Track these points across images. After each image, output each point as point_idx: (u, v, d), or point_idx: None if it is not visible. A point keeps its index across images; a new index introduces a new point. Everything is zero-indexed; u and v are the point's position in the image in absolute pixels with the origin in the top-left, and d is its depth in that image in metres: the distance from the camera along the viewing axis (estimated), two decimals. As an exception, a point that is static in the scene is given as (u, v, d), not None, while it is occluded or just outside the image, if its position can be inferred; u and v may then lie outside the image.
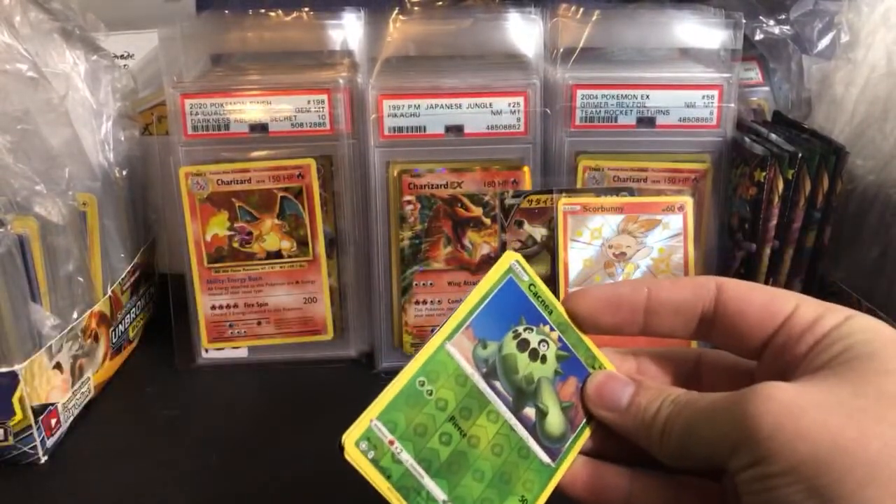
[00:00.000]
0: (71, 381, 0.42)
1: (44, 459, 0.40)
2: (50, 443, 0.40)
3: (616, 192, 0.45)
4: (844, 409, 0.23)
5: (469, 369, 0.27)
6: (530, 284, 0.29)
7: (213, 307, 0.48)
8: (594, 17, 0.47)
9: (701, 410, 0.25)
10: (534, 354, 0.28)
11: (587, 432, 0.28)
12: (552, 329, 0.29)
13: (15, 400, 0.37)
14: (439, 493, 0.25)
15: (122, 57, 0.55)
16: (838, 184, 0.44)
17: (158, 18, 0.48)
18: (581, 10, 0.48)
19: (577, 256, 0.44)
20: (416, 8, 0.51)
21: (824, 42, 0.56)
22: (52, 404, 0.40)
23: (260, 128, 0.46)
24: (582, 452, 0.28)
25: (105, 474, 0.39)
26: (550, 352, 0.28)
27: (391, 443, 0.25)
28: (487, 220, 0.46)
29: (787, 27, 0.57)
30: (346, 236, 0.48)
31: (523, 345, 0.28)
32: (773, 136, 0.46)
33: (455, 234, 0.47)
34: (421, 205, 0.47)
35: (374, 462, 0.24)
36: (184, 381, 0.47)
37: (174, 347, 0.48)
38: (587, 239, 0.44)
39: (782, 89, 0.58)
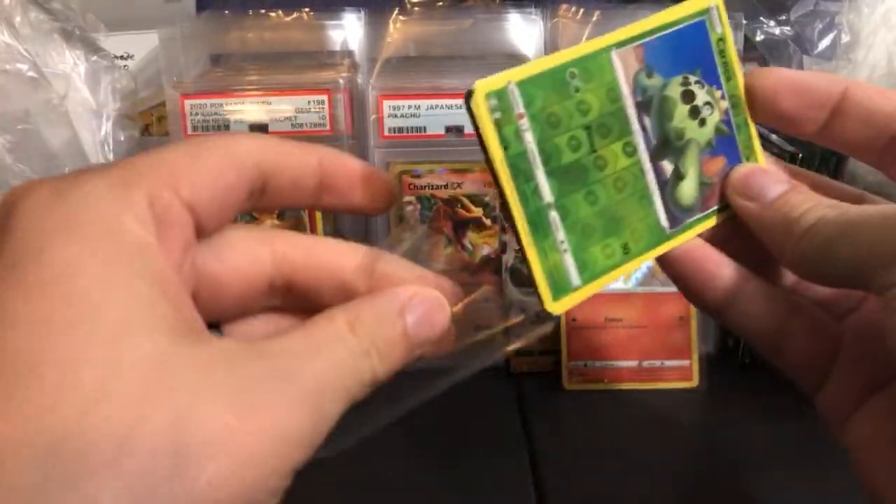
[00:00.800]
0: (70, 381, 0.41)
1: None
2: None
3: None
4: None
5: (625, 89, 0.24)
6: (719, 39, 0.26)
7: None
8: (594, 18, 0.47)
9: (858, 217, 0.22)
10: (694, 112, 0.25)
11: (714, 219, 0.26)
12: (723, 97, 0.26)
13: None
14: (547, 192, 0.23)
15: (122, 57, 0.55)
16: (839, 184, 0.44)
17: (158, 19, 0.48)
18: (581, 10, 0.48)
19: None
20: (416, 8, 0.51)
21: (825, 43, 0.56)
22: (52, 405, 0.40)
23: (260, 128, 0.46)
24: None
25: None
26: (712, 119, 0.26)
27: (520, 116, 0.22)
28: (488, 221, 0.46)
29: (788, 28, 0.57)
30: (345, 237, 0.48)
31: (688, 96, 0.25)
32: (774, 137, 0.46)
33: (455, 235, 0.47)
34: (421, 205, 0.46)
35: (497, 124, 0.22)
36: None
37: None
38: None
39: (783, 90, 0.58)
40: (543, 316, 0.25)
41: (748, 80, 0.26)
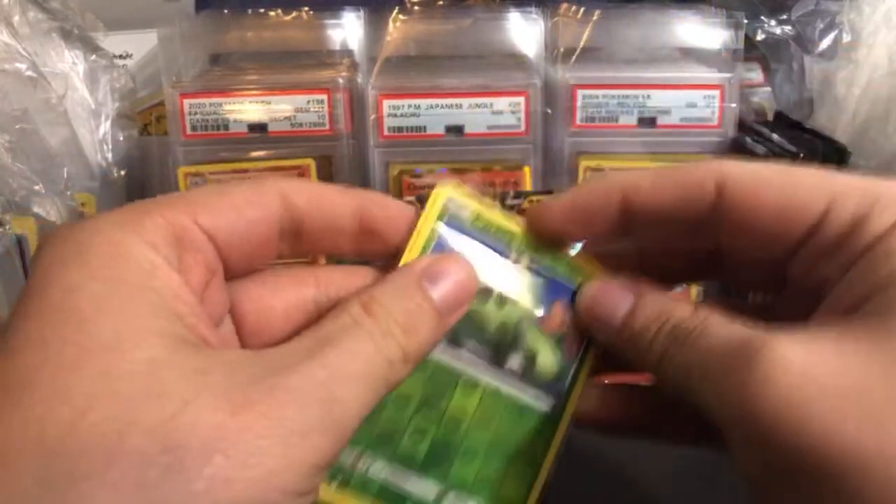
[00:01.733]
0: (69, 382, 0.41)
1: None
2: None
3: None
4: (872, 395, 0.16)
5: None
6: (474, 219, 0.24)
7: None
8: (595, 17, 0.47)
9: (699, 356, 0.20)
10: (500, 299, 0.24)
11: (590, 355, 0.24)
12: (516, 259, 0.24)
13: (12, 401, 0.37)
14: (429, 491, 0.23)
15: (120, 57, 0.55)
16: (840, 184, 0.44)
17: (157, 18, 0.48)
18: (582, 9, 0.48)
19: None
20: (416, 8, 0.51)
21: (826, 42, 0.55)
22: (50, 405, 0.40)
23: (259, 128, 0.46)
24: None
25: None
26: (521, 286, 0.24)
27: (357, 458, 0.22)
28: (488, 221, 0.46)
29: (789, 27, 0.57)
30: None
31: (484, 294, 0.23)
32: (775, 137, 0.46)
33: (455, 235, 0.47)
34: (421, 205, 0.46)
35: (344, 487, 0.22)
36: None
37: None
38: None
39: (784, 90, 0.58)
40: None
41: (529, 226, 0.24)
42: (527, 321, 0.24)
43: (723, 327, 0.20)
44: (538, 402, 0.24)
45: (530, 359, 0.24)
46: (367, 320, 0.19)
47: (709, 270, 0.25)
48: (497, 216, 0.24)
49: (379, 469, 0.22)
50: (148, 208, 0.19)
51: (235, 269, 0.21)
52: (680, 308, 0.22)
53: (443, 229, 0.24)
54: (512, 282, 0.24)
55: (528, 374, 0.24)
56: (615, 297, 0.23)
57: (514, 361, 0.24)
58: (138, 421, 0.16)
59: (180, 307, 0.18)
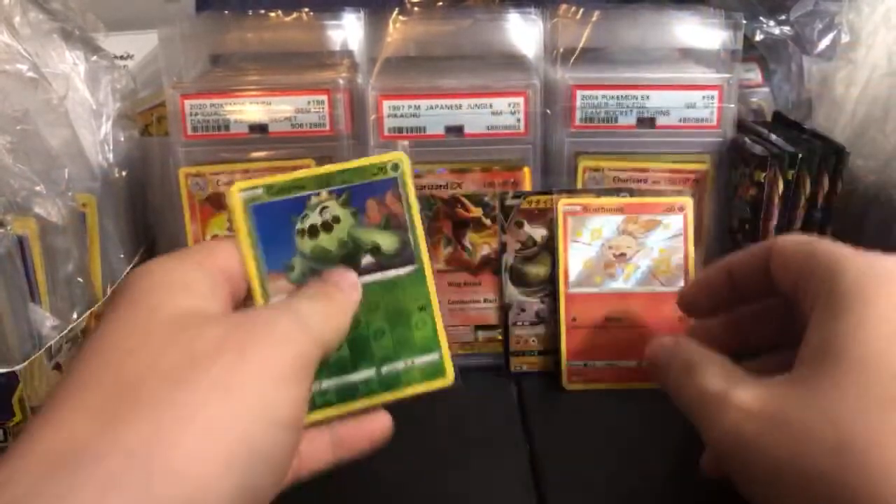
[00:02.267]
0: (70, 381, 0.41)
1: (43, 460, 0.39)
2: (49, 444, 0.40)
3: (616, 192, 0.45)
4: (791, 421, 0.25)
5: None
6: (269, 192, 0.30)
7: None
8: (594, 18, 0.47)
9: (691, 398, 0.30)
10: (326, 226, 0.30)
11: (412, 206, 0.32)
12: (318, 194, 0.30)
13: (14, 401, 0.37)
14: (367, 373, 0.30)
15: (121, 57, 0.55)
16: (839, 184, 0.44)
17: (158, 19, 0.48)
18: (581, 10, 0.48)
19: (577, 257, 0.44)
20: (416, 8, 0.51)
21: (825, 42, 0.56)
22: (52, 405, 0.40)
23: (260, 128, 0.46)
24: None
25: None
26: (333, 206, 0.31)
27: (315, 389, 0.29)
28: (488, 221, 0.46)
29: (788, 28, 0.57)
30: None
31: (312, 231, 0.30)
32: (774, 137, 0.46)
33: (455, 235, 0.47)
34: (421, 205, 0.46)
35: (311, 410, 0.28)
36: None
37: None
38: (587, 240, 0.44)
39: (782, 90, 0.58)
40: None
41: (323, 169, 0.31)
42: (354, 227, 0.31)
43: (714, 377, 0.29)
44: (402, 271, 0.31)
45: (375, 250, 0.31)
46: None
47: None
48: (284, 177, 0.30)
49: (327, 385, 0.29)
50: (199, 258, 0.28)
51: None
52: (696, 356, 0.31)
53: (252, 219, 0.29)
54: (326, 210, 0.30)
55: (382, 260, 0.31)
56: (665, 348, 0.33)
57: (366, 259, 0.31)
58: None
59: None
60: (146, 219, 0.53)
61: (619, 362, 0.44)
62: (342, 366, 0.30)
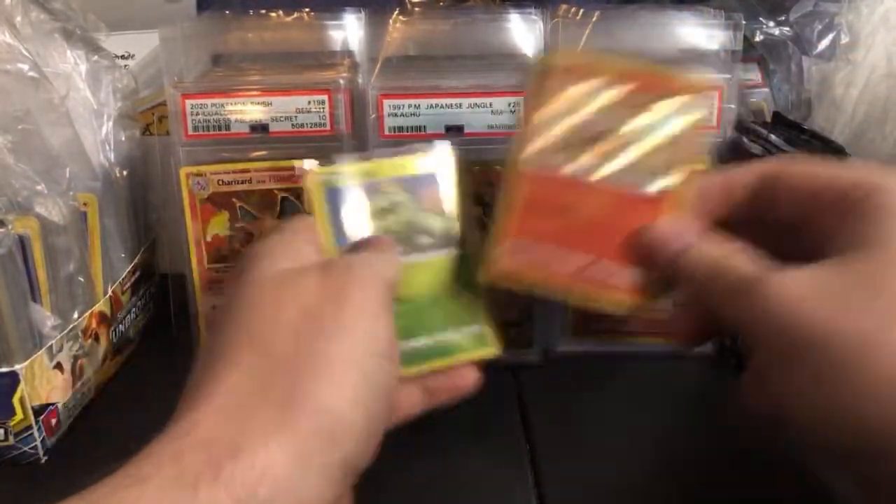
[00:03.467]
0: (71, 381, 0.42)
1: (44, 459, 0.40)
2: (50, 443, 0.40)
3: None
4: (845, 292, 0.25)
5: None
6: (351, 178, 0.36)
7: (214, 307, 0.48)
8: (594, 18, 0.47)
9: (727, 284, 0.29)
10: (390, 210, 0.37)
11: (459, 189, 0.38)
12: (387, 182, 0.37)
13: (15, 400, 0.37)
14: (424, 341, 0.34)
15: (122, 57, 0.55)
16: (838, 184, 0.44)
17: (159, 19, 0.48)
18: (581, 10, 0.48)
19: (545, 126, 0.35)
20: (416, 8, 0.51)
21: (824, 43, 0.56)
22: (53, 404, 0.40)
23: (260, 128, 0.46)
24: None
25: (106, 474, 0.39)
26: (397, 192, 0.37)
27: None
28: (488, 220, 0.46)
29: (787, 28, 0.57)
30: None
31: (379, 213, 0.36)
32: (773, 137, 0.46)
33: (455, 235, 0.47)
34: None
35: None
36: (184, 381, 0.47)
37: (174, 348, 0.48)
38: (565, 107, 0.35)
39: (782, 90, 0.58)
40: None
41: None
42: (412, 212, 0.37)
43: (748, 262, 0.29)
44: (448, 252, 0.37)
45: (429, 232, 0.37)
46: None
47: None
48: (356, 166, 0.36)
49: (402, 348, 0.33)
50: None
51: None
52: (718, 245, 0.31)
53: (326, 200, 0.35)
54: (391, 195, 0.36)
55: (434, 241, 0.37)
56: (678, 231, 0.33)
57: (421, 239, 0.36)
58: None
59: None
60: (147, 218, 0.53)
61: (560, 257, 0.34)
62: (405, 332, 0.33)
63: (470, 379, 0.35)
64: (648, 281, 0.33)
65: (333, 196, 0.35)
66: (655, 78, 0.34)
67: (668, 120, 0.34)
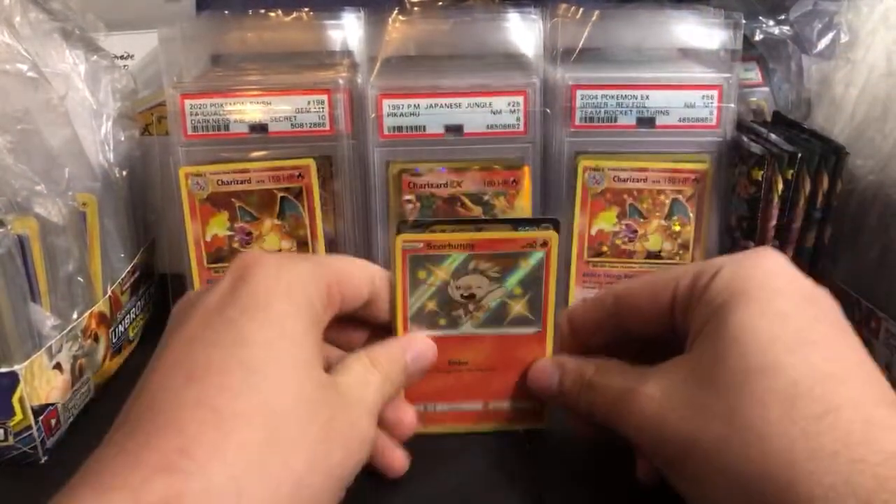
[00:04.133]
0: (71, 381, 0.42)
1: (44, 460, 0.40)
2: (50, 443, 0.40)
3: (470, 223, 0.37)
4: (692, 405, 0.28)
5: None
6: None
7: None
8: (594, 18, 0.47)
9: (604, 401, 0.33)
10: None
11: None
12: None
13: (15, 400, 0.37)
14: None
15: (122, 57, 0.55)
16: (838, 184, 0.44)
17: (158, 19, 0.48)
18: (581, 10, 0.48)
19: (419, 299, 0.37)
20: (415, 8, 0.51)
21: (824, 42, 0.56)
22: (53, 404, 0.40)
23: (260, 128, 0.46)
24: None
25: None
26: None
27: None
28: (487, 221, 0.46)
29: (787, 27, 0.57)
30: (345, 236, 0.48)
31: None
32: (773, 137, 0.46)
33: (455, 234, 0.47)
34: (421, 204, 0.47)
35: None
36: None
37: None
38: (430, 280, 0.37)
39: (782, 89, 0.58)
40: None
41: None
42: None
43: (616, 377, 0.32)
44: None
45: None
46: (375, 372, 0.32)
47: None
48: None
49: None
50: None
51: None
52: (589, 368, 0.34)
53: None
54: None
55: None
56: (549, 372, 0.36)
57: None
58: None
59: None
60: (146, 218, 0.53)
61: (462, 405, 0.40)
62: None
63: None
64: (545, 405, 0.40)
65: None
66: (495, 240, 0.37)
67: (517, 271, 0.38)
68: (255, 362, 0.25)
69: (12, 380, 0.37)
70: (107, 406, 0.45)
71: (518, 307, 0.38)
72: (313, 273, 0.30)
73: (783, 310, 0.28)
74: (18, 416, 0.38)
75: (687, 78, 0.47)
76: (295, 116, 0.46)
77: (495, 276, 0.37)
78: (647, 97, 0.46)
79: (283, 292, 0.28)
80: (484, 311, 0.38)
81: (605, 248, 0.48)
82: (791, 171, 0.43)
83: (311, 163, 0.46)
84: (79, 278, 0.42)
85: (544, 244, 0.37)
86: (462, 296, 0.37)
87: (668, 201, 0.47)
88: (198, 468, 0.22)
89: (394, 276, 0.36)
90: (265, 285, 0.28)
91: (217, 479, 0.22)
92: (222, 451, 0.23)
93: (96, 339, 0.44)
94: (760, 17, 0.57)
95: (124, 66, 0.54)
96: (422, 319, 0.37)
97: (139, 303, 0.51)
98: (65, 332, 0.41)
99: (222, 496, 0.22)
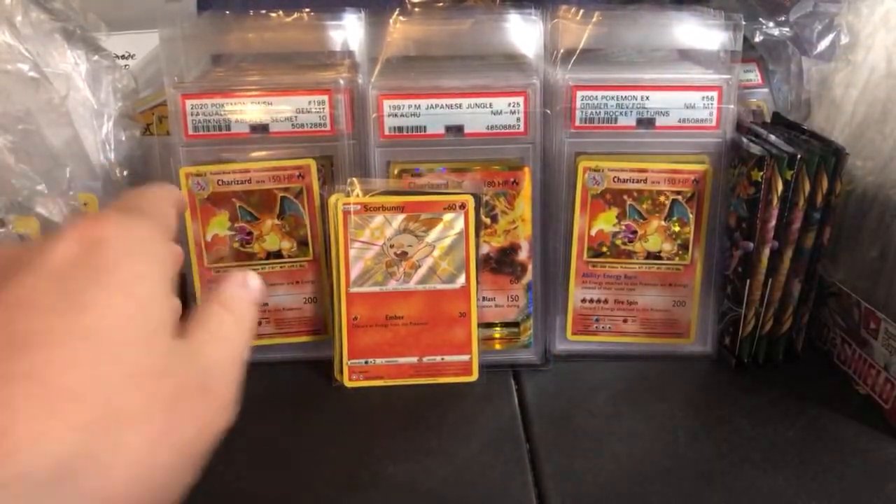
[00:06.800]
0: (71, 380, 0.42)
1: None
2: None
3: (399, 193, 0.45)
4: None
5: None
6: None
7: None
8: (594, 19, 0.47)
9: None
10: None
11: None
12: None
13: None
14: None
15: (123, 57, 0.55)
16: (837, 185, 0.44)
17: (159, 19, 0.48)
18: (581, 11, 0.48)
19: (358, 256, 0.45)
20: (416, 9, 0.51)
21: (824, 44, 0.56)
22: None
23: (260, 128, 0.46)
24: None
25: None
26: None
27: None
28: (487, 220, 0.46)
29: (787, 29, 0.57)
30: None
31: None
32: (773, 138, 0.46)
33: (455, 235, 0.47)
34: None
35: None
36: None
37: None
38: (368, 238, 0.44)
39: (782, 91, 0.58)
40: None
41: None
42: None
43: None
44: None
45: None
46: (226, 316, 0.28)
47: None
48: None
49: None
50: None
51: None
52: None
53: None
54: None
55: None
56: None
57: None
58: None
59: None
60: (147, 218, 0.53)
61: (399, 359, 0.45)
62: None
63: None
64: (473, 359, 0.44)
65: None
66: (422, 203, 0.44)
67: (441, 229, 0.44)
68: (92, 331, 0.23)
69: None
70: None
71: (444, 264, 0.44)
72: (161, 227, 0.27)
73: None
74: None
75: (687, 79, 0.47)
76: (296, 116, 0.46)
77: (422, 234, 0.44)
78: (647, 98, 0.46)
79: (137, 251, 0.25)
80: (415, 268, 0.44)
81: (604, 249, 0.48)
82: (791, 172, 0.43)
83: (312, 163, 0.46)
84: (79, 278, 0.42)
85: (462, 206, 0.44)
86: (395, 254, 0.44)
87: (667, 202, 0.47)
88: (17, 451, 0.20)
89: (335, 235, 0.40)
90: (115, 245, 0.25)
91: (39, 462, 0.20)
92: (48, 431, 0.20)
93: (97, 338, 0.44)
94: (760, 19, 0.57)
95: (125, 65, 0.54)
96: (361, 276, 0.43)
97: (140, 302, 0.51)
98: (65, 331, 0.41)
99: (41, 485, 0.20)
